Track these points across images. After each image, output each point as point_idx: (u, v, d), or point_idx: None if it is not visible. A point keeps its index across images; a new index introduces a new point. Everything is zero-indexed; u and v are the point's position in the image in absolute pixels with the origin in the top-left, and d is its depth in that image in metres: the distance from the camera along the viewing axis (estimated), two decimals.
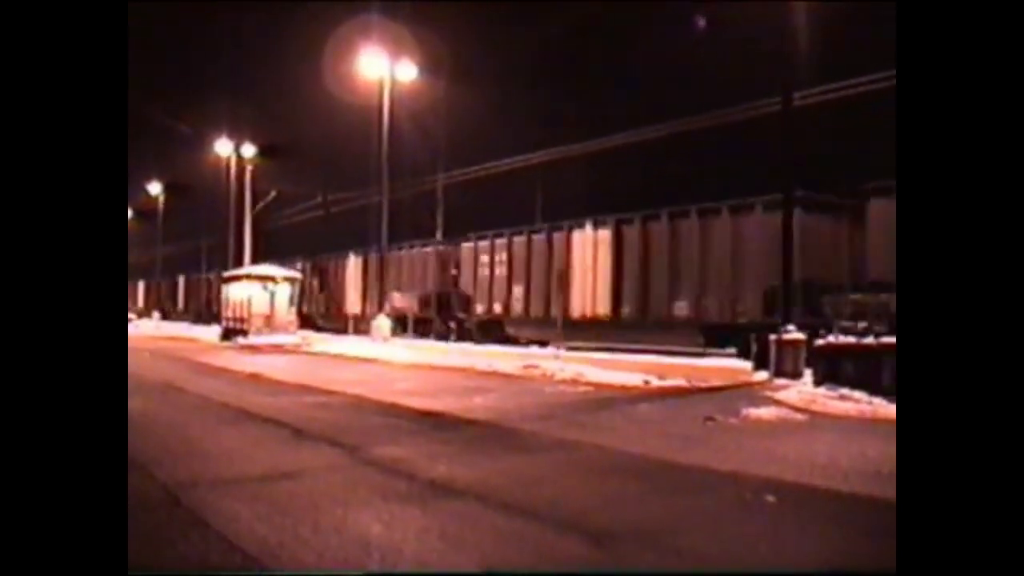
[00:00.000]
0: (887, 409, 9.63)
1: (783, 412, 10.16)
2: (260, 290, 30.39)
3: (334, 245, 39.07)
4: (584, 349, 20.67)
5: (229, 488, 6.09)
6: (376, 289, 30.14)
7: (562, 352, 18.76)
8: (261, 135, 40.66)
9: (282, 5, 51.26)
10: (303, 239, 43.96)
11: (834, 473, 6.53)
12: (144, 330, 40.61)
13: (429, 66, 30.37)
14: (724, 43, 26.50)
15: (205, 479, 6.39)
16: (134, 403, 10.51)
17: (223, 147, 40.56)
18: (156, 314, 53.44)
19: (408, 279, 31.93)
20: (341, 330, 34.28)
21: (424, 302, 30.67)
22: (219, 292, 34.97)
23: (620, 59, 36.38)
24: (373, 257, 32.22)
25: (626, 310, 22.88)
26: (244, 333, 29.67)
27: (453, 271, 29.56)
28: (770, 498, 5.75)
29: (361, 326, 31.53)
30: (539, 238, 26.06)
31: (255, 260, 36.44)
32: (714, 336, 20.28)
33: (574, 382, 14.15)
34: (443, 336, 29.17)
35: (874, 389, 10.60)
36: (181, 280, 57.06)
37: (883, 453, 6.95)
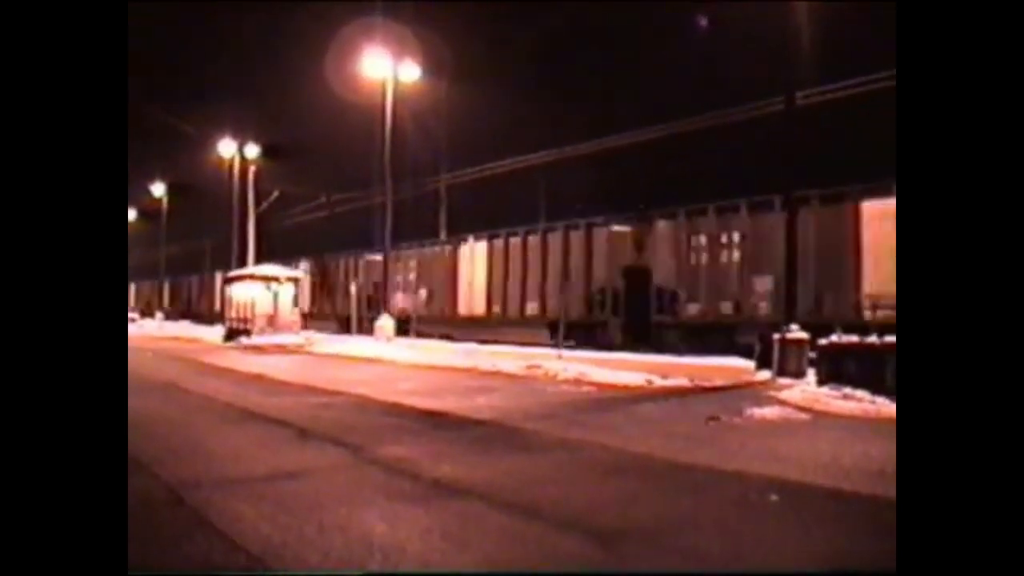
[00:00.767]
0: (890, 408, 9.62)
1: (786, 411, 10.15)
2: (263, 290, 30.42)
3: (337, 245, 39.10)
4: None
5: (233, 488, 6.10)
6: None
7: (565, 352, 18.76)
8: (264, 135, 40.69)
9: (285, 5, 51.35)
10: (306, 239, 43.98)
11: (837, 472, 6.53)
12: (147, 330, 40.68)
13: (432, 67, 30.38)
14: (725, 42, 26.50)
15: (209, 479, 6.40)
16: (137, 403, 10.54)
17: (226, 147, 40.54)
18: (159, 314, 53.46)
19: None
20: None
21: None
22: (222, 292, 34.96)
23: (621, 59, 36.40)
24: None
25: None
26: (247, 333, 29.69)
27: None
28: (774, 497, 5.75)
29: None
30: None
31: (258, 260, 36.47)
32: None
33: (577, 382, 14.15)
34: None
35: (877, 388, 10.59)
36: (186, 280, 57.10)
37: (886, 452, 6.94)
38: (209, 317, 44.25)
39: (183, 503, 5.60)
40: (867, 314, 17.73)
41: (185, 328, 41.66)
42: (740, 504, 5.63)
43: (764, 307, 20.34)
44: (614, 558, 4.48)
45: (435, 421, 9.71)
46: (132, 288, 66.65)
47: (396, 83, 27.74)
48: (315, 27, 38.44)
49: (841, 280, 19.01)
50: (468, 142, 38.47)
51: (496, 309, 28.12)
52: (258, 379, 15.89)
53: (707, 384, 13.30)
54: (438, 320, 30.48)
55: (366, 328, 28.48)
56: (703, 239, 22.15)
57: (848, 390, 11.11)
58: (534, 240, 27.10)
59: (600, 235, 24.84)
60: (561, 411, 10.67)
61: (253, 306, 30.31)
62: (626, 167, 33.13)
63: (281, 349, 25.65)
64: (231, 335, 30.87)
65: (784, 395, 11.50)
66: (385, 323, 26.89)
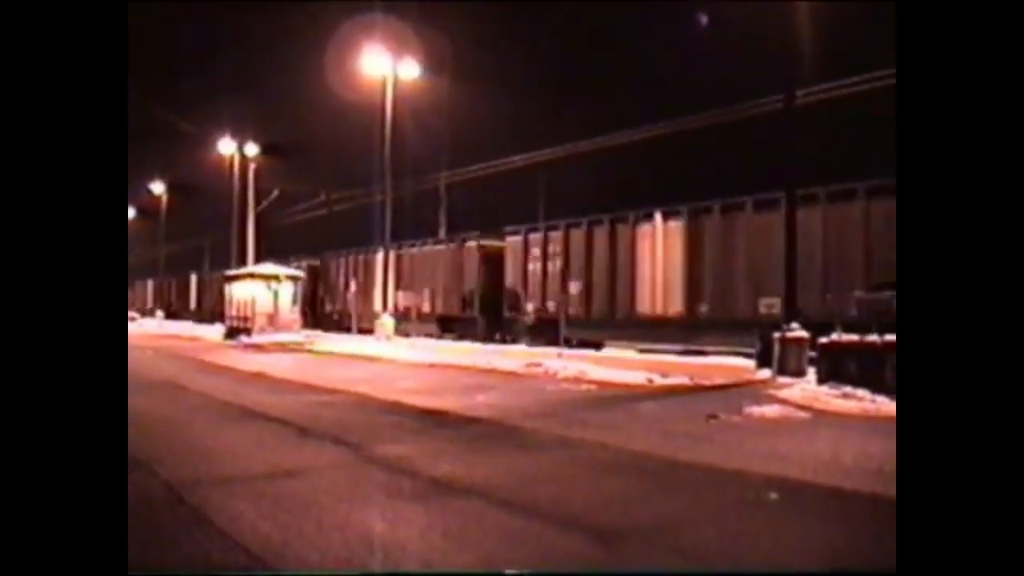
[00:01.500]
0: (890, 407, 9.62)
1: (786, 410, 10.15)
2: (263, 289, 30.43)
3: (337, 243, 39.09)
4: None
5: (233, 486, 6.10)
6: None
7: (564, 351, 18.76)
8: (264, 134, 40.70)
9: (285, 4, 51.34)
10: (306, 238, 43.98)
11: (837, 471, 6.53)
12: (148, 329, 40.67)
13: (432, 64, 30.37)
14: (725, 41, 26.52)
15: (209, 477, 6.40)
16: (137, 402, 10.54)
17: (226, 146, 40.54)
18: (160, 313, 53.46)
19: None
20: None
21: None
22: (223, 291, 34.96)
23: (622, 57, 36.40)
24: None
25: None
26: (248, 332, 29.70)
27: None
28: (773, 496, 5.75)
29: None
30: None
31: (258, 259, 36.46)
32: None
33: (577, 380, 14.15)
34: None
35: (877, 387, 10.59)
36: (186, 279, 57.10)
37: (886, 451, 6.94)
38: (209, 316, 44.23)
39: (183, 502, 5.60)
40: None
41: (185, 327, 41.65)
42: (740, 502, 5.63)
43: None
44: (614, 557, 4.49)
45: (435, 419, 9.71)
46: (132, 287, 66.71)
47: (396, 81, 27.73)
48: (315, 25, 38.57)
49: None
50: (467, 140, 38.50)
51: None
52: (258, 377, 15.89)
53: (707, 383, 13.30)
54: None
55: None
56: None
57: (848, 389, 11.11)
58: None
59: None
60: (560, 409, 10.67)
61: (253, 304, 30.32)
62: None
63: (281, 347, 25.65)
64: (231, 333, 30.88)
65: (784, 394, 11.50)
66: (385, 321, 26.89)
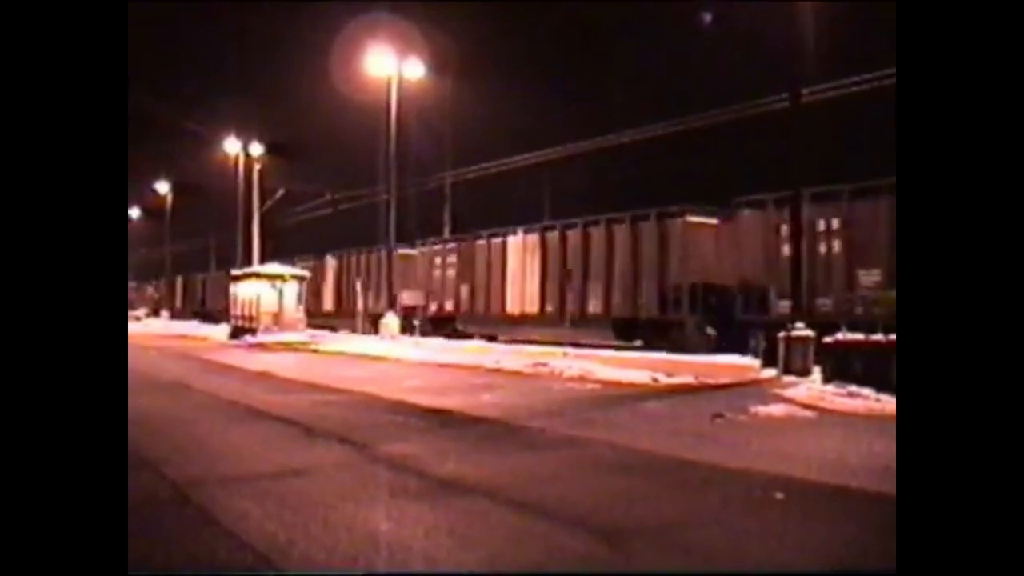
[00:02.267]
0: (895, 406, 9.60)
1: (792, 409, 10.14)
2: (268, 288, 30.46)
3: (342, 243, 39.11)
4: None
5: (239, 486, 6.11)
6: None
7: (570, 350, 18.76)
8: (269, 133, 40.66)
9: (290, 4, 51.36)
10: (311, 237, 44.00)
11: (842, 470, 6.52)
12: (153, 328, 40.75)
13: (437, 64, 30.37)
14: (730, 39, 26.51)
15: (214, 477, 6.41)
16: (143, 401, 10.58)
17: (231, 145, 40.55)
18: (165, 313, 53.55)
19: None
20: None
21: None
22: (228, 291, 35.01)
23: (627, 56, 36.38)
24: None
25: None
26: (253, 331, 29.73)
27: None
28: (779, 495, 5.74)
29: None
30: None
31: (263, 258, 36.48)
32: None
33: (582, 379, 14.15)
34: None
35: (882, 386, 10.57)
36: (191, 279, 57.20)
37: (891, 450, 6.89)
38: (215, 315, 44.28)
39: (189, 501, 5.61)
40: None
41: (191, 326, 41.69)
42: (745, 502, 5.63)
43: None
44: (619, 556, 4.48)
45: (440, 419, 9.71)
46: (137, 287, 66.81)
47: (401, 80, 27.73)
48: (320, 25, 38.57)
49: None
50: (473, 139, 38.50)
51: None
52: (263, 377, 15.91)
53: (712, 382, 13.29)
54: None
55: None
56: None
57: (853, 388, 11.09)
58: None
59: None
60: (566, 409, 10.68)
61: (258, 304, 30.35)
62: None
63: (286, 347, 25.67)
64: (236, 333, 30.92)
65: (789, 393, 11.48)
66: (390, 321, 26.90)
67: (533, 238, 26.62)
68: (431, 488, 6.03)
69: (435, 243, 32.43)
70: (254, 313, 30.48)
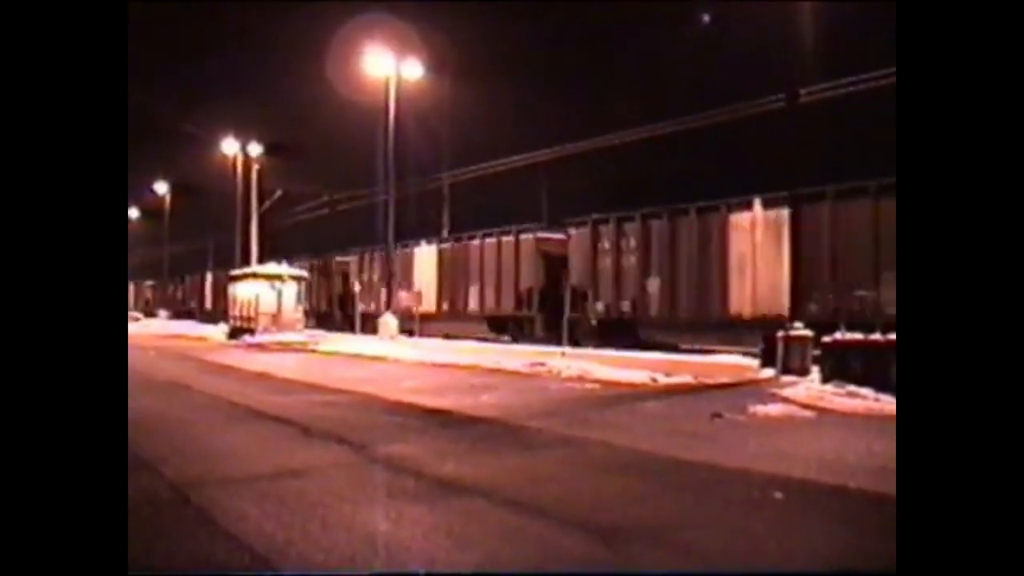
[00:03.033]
0: (894, 406, 9.60)
1: (790, 409, 10.14)
2: (267, 288, 30.47)
3: (341, 243, 39.11)
4: None
5: (237, 486, 6.11)
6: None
7: (568, 350, 18.75)
8: (267, 134, 40.66)
9: (288, 4, 51.34)
10: (309, 238, 44.01)
11: (841, 470, 6.52)
12: (152, 329, 40.68)
13: (435, 64, 30.37)
14: (728, 38, 26.51)
15: (213, 477, 6.41)
16: (141, 402, 10.57)
17: (229, 146, 40.55)
18: (163, 313, 53.53)
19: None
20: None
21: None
22: (226, 291, 35.00)
23: (624, 56, 36.38)
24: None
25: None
26: (251, 331, 29.74)
27: None
28: (778, 495, 5.74)
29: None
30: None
31: (262, 259, 36.47)
32: None
33: (580, 379, 14.14)
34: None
35: (882, 386, 10.56)
36: (190, 279, 57.19)
37: (890, 450, 6.88)
38: (213, 316, 44.26)
39: (188, 502, 5.61)
40: None
41: (189, 327, 41.67)
42: (744, 502, 5.63)
43: None
44: (618, 556, 4.48)
45: (438, 419, 9.71)
46: (136, 287, 66.80)
47: (399, 81, 27.74)
48: (317, 25, 38.54)
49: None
50: (471, 139, 38.50)
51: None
52: (262, 377, 15.90)
53: (711, 382, 13.29)
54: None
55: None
56: None
57: (852, 388, 11.08)
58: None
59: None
60: (564, 408, 10.68)
61: (257, 304, 30.35)
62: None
63: (285, 347, 25.67)
64: (235, 333, 30.92)
65: (788, 393, 11.48)
66: (388, 321, 26.90)
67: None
68: (429, 489, 6.03)
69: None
70: (253, 313, 30.47)
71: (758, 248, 19.85)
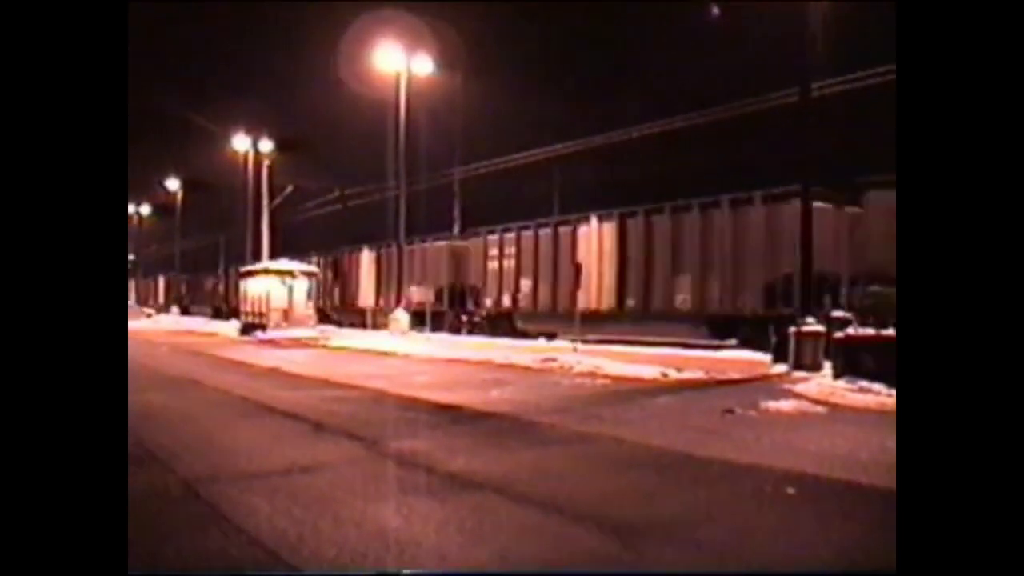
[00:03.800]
0: None
1: (802, 405, 10.12)
2: (278, 285, 30.53)
3: (352, 239, 39.15)
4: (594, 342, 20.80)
5: (248, 482, 6.11)
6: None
7: (579, 345, 18.74)
8: (278, 130, 40.65)
9: (299, 1, 51.34)
10: (321, 234, 44.04)
11: (854, 465, 6.49)
12: (163, 325, 40.86)
13: (446, 60, 30.35)
14: (737, 35, 26.41)
15: (224, 473, 6.41)
16: (153, 397, 10.61)
17: (240, 142, 40.59)
18: (175, 308, 53.70)
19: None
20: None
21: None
22: (238, 287, 35.09)
23: (635, 53, 36.32)
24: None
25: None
26: (263, 328, 29.80)
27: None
28: (790, 491, 5.72)
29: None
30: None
31: (273, 255, 36.53)
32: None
33: (592, 375, 14.12)
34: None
35: (894, 382, 10.51)
36: (201, 275, 57.34)
37: None
38: (225, 312, 44.38)
39: (199, 497, 5.61)
40: None
41: (201, 322, 41.79)
42: (757, 497, 5.60)
43: None
44: (630, 552, 4.46)
45: (450, 415, 9.71)
46: (148, 283, 67.05)
47: (409, 76, 27.73)
48: (328, 21, 38.53)
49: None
50: (482, 135, 38.46)
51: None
52: (273, 373, 15.93)
53: (722, 377, 13.27)
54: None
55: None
56: None
57: (864, 383, 11.05)
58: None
59: None
60: (576, 404, 10.66)
61: (268, 300, 30.41)
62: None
63: (296, 343, 25.72)
64: (246, 329, 31.00)
65: (800, 388, 11.46)
66: (400, 317, 26.91)
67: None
68: (441, 484, 6.02)
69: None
70: (264, 309, 30.53)
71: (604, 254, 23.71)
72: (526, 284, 26.68)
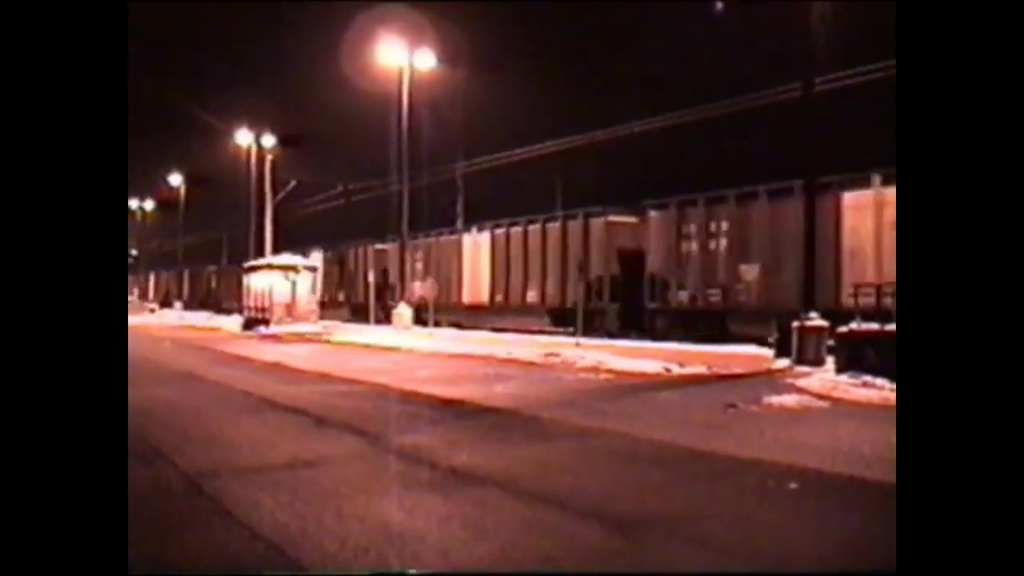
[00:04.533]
0: None
1: (805, 399, 10.11)
2: (281, 279, 30.51)
3: (355, 234, 39.16)
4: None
5: (251, 477, 6.11)
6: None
7: (582, 340, 18.74)
8: (281, 125, 40.65)
9: None
10: (323, 229, 44.06)
11: (856, 460, 6.49)
12: (167, 319, 40.90)
13: (448, 55, 30.33)
14: (739, 32, 26.41)
15: (227, 468, 6.42)
16: (156, 392, 10.62)
17: (243, 137, 40.57)
18: (178, 303, 53.76)
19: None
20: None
21: None
22: (241, 282, 35.10)
23: (636, 48, 36.29)
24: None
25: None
26: (266, 322, 29.80)
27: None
28: (792, 485, 5.72)
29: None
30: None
31: (276, 250, 36.53)
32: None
33: (594, 370, 14.12)
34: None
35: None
36: (205, 270, 57.43)
37: None
38: (228, 306, 44.40)
39: (202, 492, 5.62)
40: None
41: (204, 317, 41.81)
42: (759, 492, 5.60)
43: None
44: (633, 547, 4.46)
45: (453, 409, 9.72)
46: (151, 278, 67.14)
47: (412, 71, 27.71)
48: (332, 17, 38.52)
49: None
50: (484, 129, 38.45)
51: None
52: (276, 368, 15.94)
53: (725, 372, 13.25)
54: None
55: None
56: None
57: (868, 378, 11.03)
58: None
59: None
60: (579, 399, 10.66)
61: (271, 295, 30.41)
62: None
63: (299, 338, 25.71)
64: (249, 324, 31.00)
65: (803, 383, 11.44)
66: (403, 311, 26.92)
67: None
68: (444, 479, 6.03)
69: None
70: (267, 304, 30.53)
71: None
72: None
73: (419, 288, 30.06)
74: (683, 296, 22.38)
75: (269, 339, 25.82)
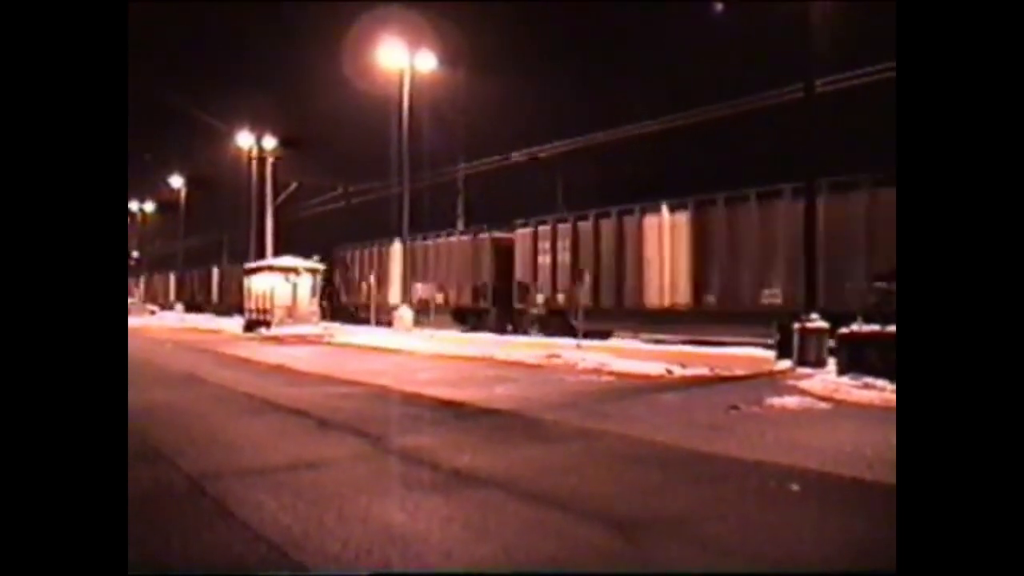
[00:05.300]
0: None
1: (806, 401, 10.11)
2: (282, 281, 30.52)
3: (355, 236, 39.17)
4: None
5: (254, 478, 6.12)
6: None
7: (584, 342, 18.74)
8: (282, 127, 40.67)
9: None
10: (325, 231, 44.04)
11: (858, 462, 6.49)
12: (168, 322, 40.89)
13: (449, 57, 30.36)
14: (740, 31, 26.42)
15: (229, 469, 6.42)
16: (158, 394, 10.63)
17: (244, 139, 40.58)
18: (179, 305, 53.76)
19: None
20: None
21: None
22: (242, 284, 35.12)
23: (638, 48, 36.30)
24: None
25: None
26: (267, 324, 29.81)
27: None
28: (794, 487, 5.72)
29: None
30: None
31: (277, 252, 36.54)
32: None
33: (596, 372, 14.12)
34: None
35: None
36: (205, 272, 57.42)
37: None
38: (229, 308, 44.41)
39: (204, 493, 5.62)
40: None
41: (205, 319, 41.81)
42: (762, 494, 5.61)
43: None
44: (635, 548, 4.47)
45: (454, 411, 9.72)
46: (152, 280, 67.14)
47: (413, 73, 27.73)
48: (332, 18, 38.55)
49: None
50: (485, 132, 38.47)
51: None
52: (278, 370, 15.94)
53: (727, 373, 13.26)
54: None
55: None
56: None
57: (869, 379, 11.04)
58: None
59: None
60: (580, 401, 10.66)
61: (272, 297, 30.42)
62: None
63: (300, 339, 25.71)
64: (251, 326, 31.01)
65: (804, 384, 11.45)
66: (403, 314, 26.92)
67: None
68: (445, 480, 6.03)
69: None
70: (268, 306, 30.54)
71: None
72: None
73: (421, 290, 30.06)
74: (540, 299, 26.46)
75: (270, 341, 25.82)
